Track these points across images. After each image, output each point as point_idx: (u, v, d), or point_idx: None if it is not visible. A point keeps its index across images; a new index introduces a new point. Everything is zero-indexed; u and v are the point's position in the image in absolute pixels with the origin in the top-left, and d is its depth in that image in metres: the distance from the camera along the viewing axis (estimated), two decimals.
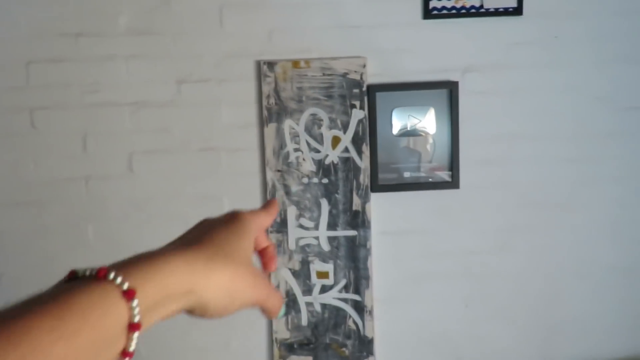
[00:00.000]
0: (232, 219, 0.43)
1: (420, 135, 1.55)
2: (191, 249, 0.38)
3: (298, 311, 1.58)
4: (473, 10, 1.49)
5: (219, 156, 1.55)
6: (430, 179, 1.56)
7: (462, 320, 1.63)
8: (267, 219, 0.47)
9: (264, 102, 1.52)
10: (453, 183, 1.55)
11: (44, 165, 1.54)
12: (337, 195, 1.55)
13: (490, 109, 1.56)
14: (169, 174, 1.55)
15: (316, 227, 1.55)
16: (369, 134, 1.53)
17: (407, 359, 1.64)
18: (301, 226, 1.56)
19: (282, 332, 1.59)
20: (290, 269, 1.57)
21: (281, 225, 1.55)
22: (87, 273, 0.32)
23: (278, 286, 1.57)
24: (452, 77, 1.54)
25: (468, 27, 1.52)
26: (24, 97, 1.52)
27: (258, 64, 1.52)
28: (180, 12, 1.51)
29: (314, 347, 1.59)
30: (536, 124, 1.57)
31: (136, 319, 0.32)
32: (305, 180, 1.54)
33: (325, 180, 1.54)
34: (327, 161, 1.54)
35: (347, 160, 1.54)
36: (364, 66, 1.50)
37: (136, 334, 0.32)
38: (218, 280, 0.37)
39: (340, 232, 1.56)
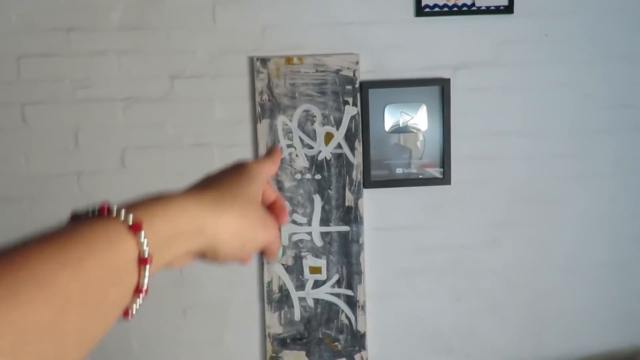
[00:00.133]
0: (237, 167, 0.42)
1: (412, 132, 1.56)
2: (199, 191, 0.37)
3: (291, 306, 1.59)
4: (465, 8, 1.50)
5: (212, 152, 1.55)
6: (420, 176, 1.57)
7: (453, 315, 1.65)
8: (272, 167, 0.46)
9: (257, 98, 1.52)
10: (444, 179, 1.57)
11: (35, 161, 1.53)
12: (329, 191, 1.56)
13: (481, 106, 1.57)
14: (162, 170, 1.55)
15: (309, 223, 1.56)
16: (362, 130, 1.54)
17: (398, 353, 1.66)
18: (294, 222, 1.56)
19: (275, 327, 1.60)
20: (283, 264, 1.58)
21: None
22: (89, 212, 0.31)
23: (271, 281, 1.58)
24: (444, 74, 1.55)
25: (460, 24, 1.53)
26: (15, 92, 1.51)
27: (251, 60, 1.52)
28: (173, 7, 1.50)
29: (307, 342, 1.61)
30: (527, 121, 1.59)
31: (145, 253, 0.30)
32: (298, 176, 1.55)
33: (318, 176, 1.55)
34: (320, 157, 1.55)
35: (339, 157, 1.55)
36: (357, 63, 1.51)
37: (148, 269, 0.30)
38: (228, 220, 0.36)
39: (333, 228, 1.57)
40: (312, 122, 1.54)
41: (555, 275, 1.66)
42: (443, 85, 1.54)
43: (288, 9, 1.52)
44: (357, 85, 1.52)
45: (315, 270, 1.58)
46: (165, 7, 1.50)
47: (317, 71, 1.51)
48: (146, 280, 0.30)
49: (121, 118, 1.53)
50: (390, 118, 1.56)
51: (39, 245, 0.26)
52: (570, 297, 1.67)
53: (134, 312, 0.31)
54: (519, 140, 1.59)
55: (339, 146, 1.54)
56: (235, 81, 1.53)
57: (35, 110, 1.52)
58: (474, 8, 1.50)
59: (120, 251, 0.29)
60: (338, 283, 1.59)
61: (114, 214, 0.30)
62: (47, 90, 1.51)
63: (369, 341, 1.63)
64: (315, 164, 1.55)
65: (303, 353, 1.61)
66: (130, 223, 0.30)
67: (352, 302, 1.59)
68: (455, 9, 1.50)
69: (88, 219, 0.30)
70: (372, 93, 1.53)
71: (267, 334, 1.60)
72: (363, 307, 1.59)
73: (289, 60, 1.51)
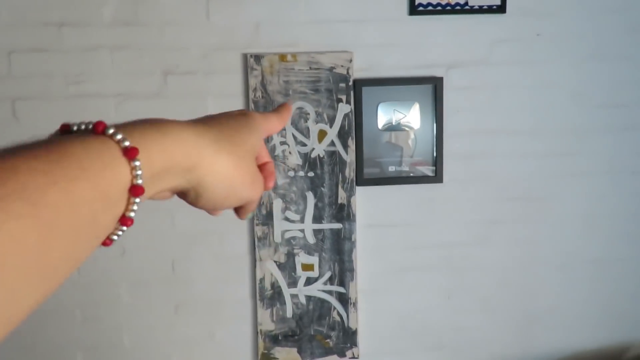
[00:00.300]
0: (242, 114, 0.40)
1: (404, 130, 1.57)
2: (200, 125, 0.34)
3: (283, 303, 1.60)
4: (458, 7, 1.51)
5: None
6: (412, 174, 1.58)
7: (444, 311, 1.67)
8: (278, 124, 0.44)
9: (251, 95, 1.52)
10: (437, 177, 1.58)
11: None
12: (322, 189, 1.56)
13: (473, 105, 1.58)
14: None
15: (302, 220, 1.57)
16: (355, 128, 1.54)
17: (389, 349, 1.68)
18: (287, 219, 1.57)
19: (267, 324, 1.60)
20: (275, 261, 1.58)
21: (267, 218, 1.56)
22: (83, 127, 0.29)
23: (263, 278, 1.59)
24: (436, 73, 1.56)
25: (453, 23, 1.54)
26: (6, 87, 1.49)
27: (245, 57, 1.52)
28: (167, 3, 1.50)
29: (299, 339, 1.61)
30: (518, 120, 1.60)
31: (139, 181, 0.28)
32: (292, 173, 1.55)
33: (311, 174, 1.56)
34: (313, 155, 1.55)
35: (333, 154, 1.55)
36: (351, 61, 1.52)
37: (137, 200, 0.28)
38: (222, 165, 0.34)
39: (326, 225, 1.57)
40: (306, 120, 1.54)
41: (545, 273, 1.68)
42: (436, 84, 1.55)
43: (282, 6, 1.51)
44: (350, 83, 1.52)
45: (307, 267, 1.59)
46: (159, 3, 1.49)
47: (310, 69, 1.52)
48: (135, 210, 0.29)
49: (114, 114, 1.52)
50: (384, 116, 1.56)
51: (30, 156, 0.24)
52: (560, 295, 1.69)
53: (114, 240, 0.29)
54: (511, 139, 1.61)
55: (332, 144, 1.55)
56: (228, 78, 1.53)
57: (26, 105, 1.51)
58: (467, 7, 1.51)
59: (113, 176, 0.27)
60: (330, 280, 1.59)
61: (109, 134, 0.28)
62: (39, 86, 1.50)
63: (361, 338, 1.64)
64: (309, 162, 1.55)
65: (295, 350, 1.61)
66: (126, 146, 0.28)
67: (343, 299, 1.60)
68: (448, 8, 1.51)
69: (81, 134, 0.28)
70: (366, 91, 1.53)
71: (259, 330, 1.61)
72: (355, 304, 1.60)
73: (282, 57, 1.51)
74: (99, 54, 1.50)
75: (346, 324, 1.61)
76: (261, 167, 0.42)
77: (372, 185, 1.57)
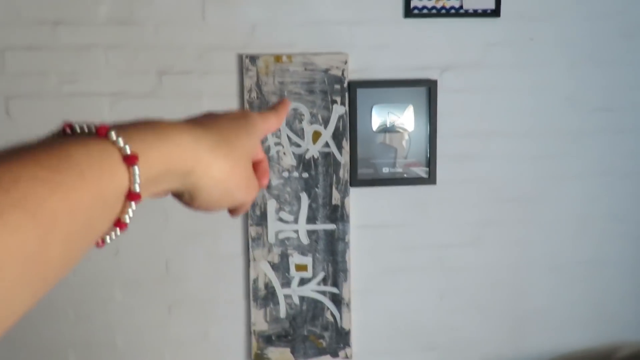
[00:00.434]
0: (241, 116, 0.40)
1: (398, 131, 1.58)
2: (198, 129, 0.34)
3: (276, 303, 1.60)
4: (453, 11, 1.52)
5: None
6: (405, 175, 1.59)
7: (436, 311, 1.68)
8: (276, 122, 0.44)
9: (246, 96, 1.52)
10: (430, 179, 1.59)
11: None
12: (316, 190, 1.57)
13: (466, 107, 1.60)
14: None
15: (296, 221, 1.57)
16: (349, 129, 1.55)
17: (382, 349, 1.69)
18: (281, 219, 1.57)
19: (261, 324, 1.61)
20: (269, 262, 1.58)
21: (261, 218, 1.57)
22: (86, 129, 0.29)
23: (257, 278, 1.59)
24: (431, 76, 1.57)
25: (447, 27, 1.55)
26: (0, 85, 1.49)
27: (240, 58, 1.52)
28: (162, 3, 1.50)
29: (292, 339, 1.62)
30: (510, 122, 1.62)
31: (136, 187, 0.29)
32: (286, 174, 1.56)
33: (305, 175, 1.56)
34: (307, 156, 1.56)
35: (327, 155, 1.56)
36: (346, 62, 1.52)
37: (133, 205, 0.29)
38: (218, 169, 0.35)
39: (320, 226, 1.58)
40: (300, 121, 1.54)
41: (536, 274, 1.70)
42: (430, 86, 1.56)
43: (278, 7, 1.52)
44: (345, 85, 1.53)
45: (301, 267, 1.59)
46: (154, 2, 1.49)
47: (306, 70, 1.52)
48: (130, 214, 0.29)
49: (108, 113, 1.52)
50: (378, 118, 1.57)
51: (32, 163, 0.24)
52: (551, 295, 1.71)
53: (107, 241, 0.30)
54: (504, 141, 1.62)
55: (327, 145, 1.55)
56: (224, 78, 1.53)
57: (19, 104, 1.50)
58: (461, 11, 1.53)
59: (112, 182, 0.28)
60: (324, 281, 1.60)
61: (111, 138, 0.28)
62: (33, 84, 1.49)
63: (354, 338, 1.64)
64: (303, 162, 1.56)
65: (288, 350, 1.62)
66: (127, 153, 0.28)
67: (337, 300, 1.61)
68: (443, 11, 1.52)
69: (83, 137, 0.28)
70: (360, 93, 1.54)
71: (252, 330, 1.61)
72: (348, 305, 1.61)
73: (278, 58, 1.51)
74: (93, 53, 1.50)
75: (339, 325, 1.62)
76: (255, 165, 0.42)
77: (365, 187, 1.58)
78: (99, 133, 0.28)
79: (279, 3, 1.52)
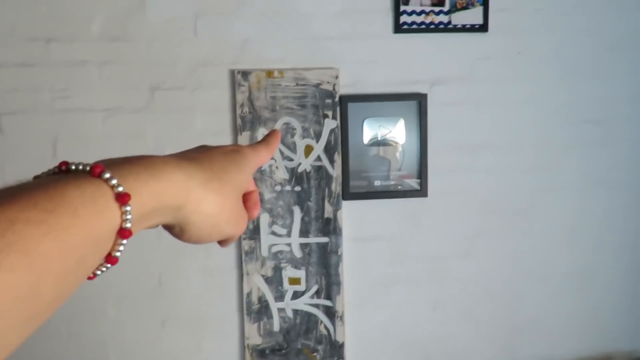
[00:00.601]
0: (234, 151, 0.41)
1: (390, 144, 1.60)
2: (190, 164, 0.35)
3: (270, 317, 1.60)
4: (441, 26, 1.55)
5: None
6: (399, 187, 1.61)
7: (429, 323, 1.69)
8: (267, 154, 0.45)
9: (238, 111, 1.53)
10: (421, 191, 1.61)
11: (12, 171, 1.52)
12: (309, 203, 1.58)
13: (457, 120, 1.62)
14: None
15: (288, 234, 1.58)
16: (341, 143, 1.57)
17: None
18: (274, 233, 1.58)
19: (254, 338, 1.61)
20: (262, 276, 1.59)
21: (254, 232, 1.57)
22: (81, 167, 0.30)
23: (250, 292, 1.59)
24: (421, 90, 1.59)
25: (437, 42, 1.58)
26: None
27: (232, 73, 1.54)
28: (154, 19, 1.51)
29: (286, 353, 1.62)
30: (500, 135, 1.64)
31: (127, 225, 0.30)
32: (278, 187, 1.57)
33: (297, 188, 1.57)
34: (299, 169, 1.57)
35: (319, 169, 1.57)
36: (337, 77, 1.54)
37: (125, 241, 0.30)
38: (209, 205, 0.35)
39: (312, 239, 1.59)
40: (292, 135, 1.56)
41: (527, 284, 1.71)
42: (420, 100, 1.58)
43: (269, 23, 1.54)
44: (336, 99, 1.55)
45: (294, 281, 1.60)
46: (146, 18, 1.51)
47: (297, 85, 1.54)
48: (120, 252, 0.30)
49: (101, 129, 1.53)
50: (369, 131, 1.59)
51: (28, 206, 0.25)
52: (544, 305, 1.72)
53: (98, 274, 0.31)
54: (492, 154, 1.64)
55: (319, 158, 1.57)
56: (216, 93, 1.54)
57: (13, 120, 1.50)
58: (450, 26, 1.55)
59: (105, 221, 0.29)
60: (317, 294, 1.61)
61: (104, 178, 0.29)
62: (25, 100, 1.50)
63: (348, 351, 1.65)
64: (295, 176, 1.57)
65: None
66: (120, 192, 0.29)
67: (330, 313, 1.61)
68: (432, 26, 1.55)
69: (78, 176, 0.29)
70: (352, 107, 1.56)
71: (246, 344, 1.61)
72: (342, 317, 1.62)
73: (269, 73, 1.53)
74: (86, 68, 1.51)
75: (333, 338, 1.62)
76: (246, 196, 0.43)
77: (358, 200, 1.59)
78: (93, 172, 0.29)
79: (270, 19, 1.54)
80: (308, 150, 1.56)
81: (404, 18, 1.54)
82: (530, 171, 1.66)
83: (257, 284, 1.59)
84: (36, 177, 0.30)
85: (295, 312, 1.61)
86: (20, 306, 0.24)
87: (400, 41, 1.57)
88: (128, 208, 0.29)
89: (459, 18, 1.55)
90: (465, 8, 1.55)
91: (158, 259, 1.58)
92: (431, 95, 1.59)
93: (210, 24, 1.52)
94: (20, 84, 1.49)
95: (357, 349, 1.66)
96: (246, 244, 1.57)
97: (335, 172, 1.57)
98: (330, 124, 1.56)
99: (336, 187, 1.57)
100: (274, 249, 1.58)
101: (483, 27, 1.56)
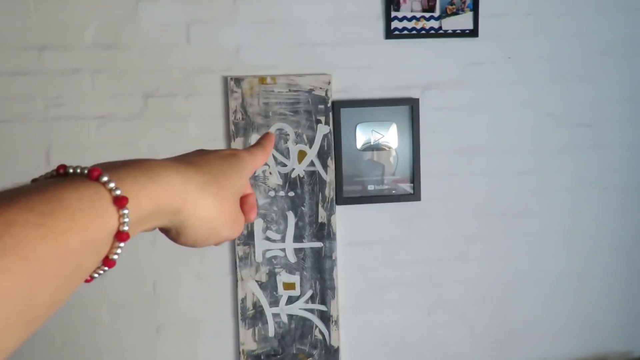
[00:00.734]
0: (231, 155, 0.41)
1: (384, 149, 1.61)
2: (188, 168, 0.35)
3: (265, 322, 1.60)
4: (432, 32, 1.56)
5: None
6: (393, 191, 1.62)
7: (424, 327, 1.69)
8: (263, 158, 0.45)
9: (231, 117, 1.54)
10: (415, 195, 1.62)
11: (5, 179, 1.51)
12: (303, 208, 1.58)
13: (449, 125, 1.63)
14: None
15: (283, 239, 1.59)
16: (334, 148, 1.58)
17: None
18: (268, 238, 1.58)
19: (249, 344, 1.61)
20: (257, 281, 1.59)
21: (248, 238, 1.58)
22: (79, 171, 0.30)
23: (245, 298, 1.60)
24: (413, 94, 1.60)
25: (428, 47, 1.59)
26: None
27: (225, 80, 1.55)
28: (147, 26, 1.52)
29: (281, 358, 1.62)
30: (492, 139, 1.65)
31: (125, 228, 0.30)
32: (272, 193, 1.57)
33: (291, 193, 1.58)
34: (293, 175, 1.57)
35: (312, 174, 1.58)
36: (329, 83, 1.55)
37: (122, 244, 0.30)
38: (207, 209, 0.35)
39: (307, 244, 1.59)
40: (286, 141, 1.57)
41: (521, 287, 1.72)
42: (412, 105, 1.59)
43: (261, 29, 1.55)
44: (329, 105, 1.56)
45: (289, 286, 1.60)
46: (139, 26, 1.52)
47: (290, 91, 1.55)
48: (117, 255, 0.30)
49: (94, 136, 1.53)
50: (362, 136, 1.60)
51: (25, 208, 0.25)
52: (536, 307, 1.73)
53: (95, 277, 0.31)
54: (485, 157, 1.65)
55: (312, 164, 1.57)
56: (209, 100, 1.55)
57: (6, 128, 1.50)
58: (441, 31, 1.57)
59: (102, 224, 0.29)
60: (312, 298, 1.61)
61: (102, 181, 0.29)
62: (19, 109, 1.50)
63: (343, 355, 1.65)
64: (289, 182, 1.57)
65: None
66: (117, 195, 0.29)
67: (325, 317, 1.62)
68: (423, 32, 1.56)
69: (75, 180, 0.29)
70: (344, 112, 1.57)
71: (241, 350, 1.61)
72: (336, 322, 1.62)
73: (262, 79, 1.54)
74: (79, 76, 1.51)
75: (328, 342, 1.62)
76: (243, 199, 0.43)
77: (351, 204, 1.60)
78: (91, 176, 0.29)
79: (262, 26, 1.55)
80: (301, 155, 1.57)
81: (395, 24, 1.55)
82: (523, 174, 1.67)
83: (251, 290, 1.59)
84: (34, 181, 0.30)
85: (290, 317, 1.61)
86: (16, 309, 0.24)
87: (391, 47, 1.58)
88: (126, 211, 0.29)
89: (449, 23, 1.56)
90: (455, 13, 1.56)
91: (152, 266, 1.58)
92: (423, 100, 1.60)
93: (203, 31, 1.53)
94: (13, 92, 1.50)
95: (352, 353, 1.66)
96: (240, 250, 1.58)
97: (329, 177, 1.58)
98: (323, 129, 1.57)
99: (330, 192, 1.58)
100: (268, 255, 1.59)
101: (473, 32, 1.58)
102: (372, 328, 1.68)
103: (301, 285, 1.60)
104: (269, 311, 1.60)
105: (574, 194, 1.70)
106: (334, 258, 1.60)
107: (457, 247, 1.68)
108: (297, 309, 1.61)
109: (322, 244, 1.59)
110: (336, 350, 1.63)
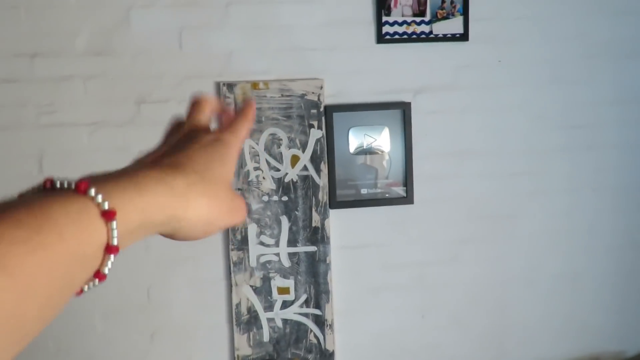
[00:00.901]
0: (214, 141, 0.40)
1: (377, 152, 1.62)
2: (172, 173, 0.35)
3: (260, 327, 1.60)
4: (423, 36, 1.58)
5: None
6: (386, 195, 1.62)
7: (418, 330, 1.70)
8: (247, 127, 0.43)
9: None
10: (407, 198, 1.62)
11: None
12: (296, 212, 1.59)
13: (440, 128, 1.64)
14: None
15: (277, 244, 1.59)
16: (327, 152, 1.58)
17: None
18: (262, 243, 1.58)
19: (244, 349, 1.61)
20: (251, 286, 1.59)
21: (242, 243, 1.58)
22: (66, 184, 0.30)
23: (239, 303, 1.59)
24: (404, 98, 1.61)
25: (419, 51, 1.60)
26: None
27: (218, 85, 1.55)
28: (139, 33, 1.52)
29: None
30: (484, 141, 1.67)
31: (114, 241, 0.30)
32: (266, 198, 1.58)
33: (285, 198, 1.58)
34: (286, 179, 1.58)
35: (306, 178, 1.58)
36: (321, 87, 1.56)
37: (112, 257, 0.30)
38: (196, 209, 0.35)
39: (301, 248, 1.59)
40: (279, 145, 1.57)
41: (514, 288, 1.73)
42: (404, 109, 1.60)
43: (254, 35, 1.56)
44: (321, 109, 1.57)
45: (283, 290, 1.60)
46: (131, 32, 1.52)
47: (282, 96, 1.55)
48: (109, 266, 0.30)
49: (87, 143, 1.53)
50: (355, 140, 1.61)
51: (12, 224, 0.25)
52: (529, 309, 1.74)
53: (85, 290, 0.31)
54: (477, 160, 1.67)
55: (305, 168, 1.58)
56: None
57: None
58: (431, 36, 1.58)
59: (91, 238, 0.28)
60: (306, 303, 1.61)
61: (90, 195, 0.29)
62: (11, 116, 1.50)
63: (337, 359, 1.65)
64: (282, 186, 1.58)
65: None
66: (105, 209, 0.29)
67: (320, 321, 1.62)
68: (414, 36, 1.57)
69: (63, 193, 0.29)
70: (337, 116, 1.58)
71: (236, 356, 1.61)
72: (331, 326, 1.62)
73: (255, 85, 1.55)
74: (72, 83, 1.51)
75: (323, 346, 1.63)
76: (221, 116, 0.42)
77: (345, 208, 1.61)
78: (79, 189, 0.29)
79: (254, 31, 1.55)
80: (294, 160, 1.58)
81: (386, 29, 1.56)
82: (515, 176, 1.69)
83: (246, 295, 1.59)
84: (21, 195, 0.30)
85: (285, 321, 1.61)
86: (5, 326, 0.24)
87: (383, 51, 1.59)
88: (114, 224, 0.29)
89: (440, 28, 1.58)
90: (445, 18, 1.58)
91: (146, 272, 1.58)
92: (415, 104, 1.61)
93: (195, 36, 1.54)
94: (5, 99, 1.49)
95: (347, 357, 1.66)
96: (234, 255, 1.58)
97: (322, 181, 1.58)
98: (316, 133, 1.57)
99: (323, 196, 1.59)
100: (263, 259, 1.59)
101: (464, 36, 1.59)
102: (367, 331, 1.68)
103: (295, 290, 1.60)
104: (263, 316, 1.60)
105: (566, 196, 1.72)
106: (328, 262, 1.60)
107: (450, 250, 1.69)
108: (292, 313, 1.61)
109: (316, 248, 1.60)
110: (331, 355, 1.63)
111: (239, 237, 1.57)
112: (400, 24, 1.57)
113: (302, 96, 1.56)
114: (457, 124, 1.65)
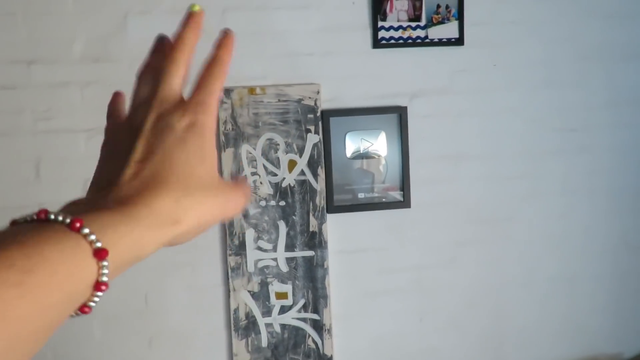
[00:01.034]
0: (188, 130, 0.37)
1: (374, 157, 1.62)
2: (156, 191, 0.34)
3: (258, 333, 1.60)
4: (419, 40, 1.59)
5: None
6: (383, 199, 1.63)
7: (417, 333, 1.70)
8: (221, 79, 0.41)
9: (221, 128, 1.55)
10: (404, 202, 1.63)
11: None
12: (294, 217, 1.59)
13: (437, 132, 1.65)
14: None
15: (274, 249, 1.59)
16: (324, 157, 1.59)
17: None
18: (259, 248, 1.59)
19: (242, 354, 1.60)
20: (249, 291, 1.59)
21: (239, 248, 1.58)
22: (60, 219, 0.29)
23: (237, 308, 1.59)
24: (401, 103, 1.62)
25: (415, 55, 1.61)
26: None
27: None
28: (136, 39, 1.52)
29: None
30: (480, 145, 1.67)
31: (104, 279, 0.30)
32: (263, 203, 1.58)
33: (282, 203, 1.58)
34: (284, 184, 1.58)
35: (303, 183, 1.59)
36: (318, 92, 1.57)
37: (100, 293, 0.30)
38: (188, 222, 0.35)
39: (298, 253, 1.60)
40: (276, 150, 1.57)
41: (511, 291, 1.73)
42: (400, 113, 1.61)
43: (250, 40, 1.56)
44: (318, 114, 1.57)
45: (281, 295, 1.60)
46: (128, 39, 1.52)
47: (279, 101, 1.56)
48: (96, 301, 0.31)
49: (84, 149, 1.53)
50: (352, 145, 1.61)
51: (5, 266, 0.25)
52: (526, 311, 1.75)
53: (72, 317, 0.31)
54: (473, 163, 1.67)
55: (302, 173, 1.58)
56: None
57: None
58: (427, 40, 1.59)
59: (82, 276, 0.29)
60: (304, 308, 1.61)
61: (83, 233, 0.29)
62: (7, 123, 1.50)
63: None
64: (280, 191, 1.58)
65: None
66: (98, 247, 0.29)
67: (318, 326, 1.62)
68: (410, 41, 1.59)
69: (57, 231, 0.29)
70: (333, 121, 1.58)
71: None
72: (329, 331, 1.62)
73: (251, 90, 1.55)
74: (68, 90, 1.51)
75: (321, 351, 1.62)
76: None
77: (342, 212, 1.61)
78: (73, 227, 0.29)
79: (251, 37, 1.56)
80: (292, 165, 1.58)
81: (382, 33, 1.57)
82: (511, 179, 1.69)
83: (244, 300, 1.59)
84: (13, 223, 0.30)
85: (283, 326, 1.61)
86: None
87: (379, 56, 1.60)
88: (105, 263, 0.30)
89: (435, 32, 1.59)
90: (441, 22, 1.59)
91: (144, 278, 1.57)
92: (411, 108, 1.62)
93: None
94: (2, 106, 1.49)
95: None
96: (232, 260, 1.58)
97: (319, 185, 1.59)
98: (313, 138, 1.58)
99: (320, 200, 1.59)
100: (260, 264, 1.59)
101: (459, 41, 1.60)
102: (365, 336, 1.68)
103: (293, 295, 1.60)
104: (261, 321, 1.60)
105: (561, 198, 1.73)
106: (325, 266, 1.60)
107: (447, 253, 1.69)
108: (290, 318, 1.61)
109: (313, 253, 1.60)
110: (330, 359, 1.63)
111: (236, 242, 1.58)
112: (396, 29, 1.58)
113: (299, 101, 1.56)
114: (453, 128, 1.66)
